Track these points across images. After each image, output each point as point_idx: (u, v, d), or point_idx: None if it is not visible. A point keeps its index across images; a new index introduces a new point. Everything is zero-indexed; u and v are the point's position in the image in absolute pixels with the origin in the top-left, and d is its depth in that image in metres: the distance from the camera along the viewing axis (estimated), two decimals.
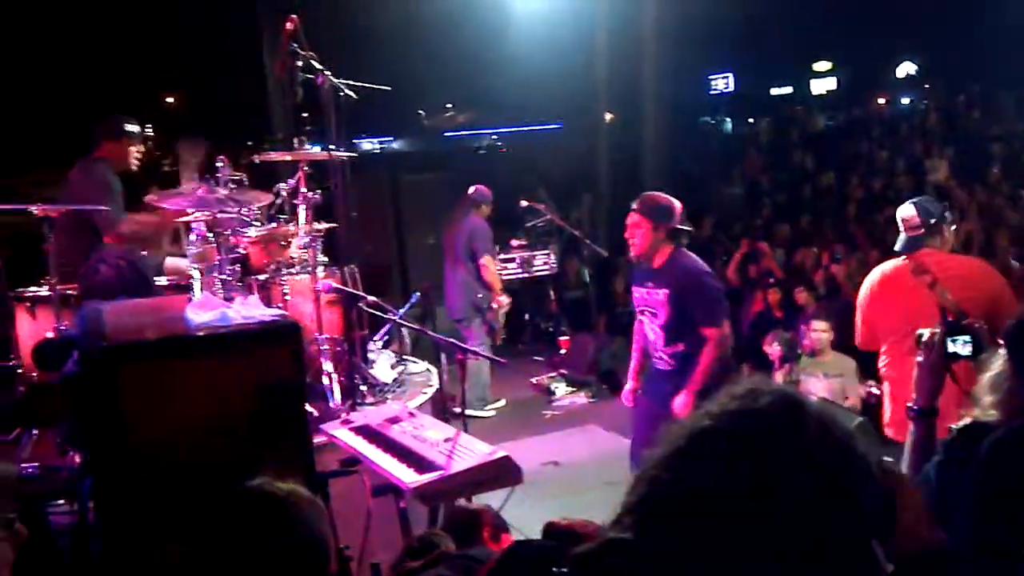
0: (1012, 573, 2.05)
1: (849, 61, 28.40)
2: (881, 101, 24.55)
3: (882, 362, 5.02)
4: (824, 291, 9.06)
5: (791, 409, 1.21)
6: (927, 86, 23.88)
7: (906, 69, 27.81)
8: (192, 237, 3.32)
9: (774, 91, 29.48)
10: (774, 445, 1.17)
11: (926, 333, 2.98)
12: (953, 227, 4.99)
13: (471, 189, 9.21)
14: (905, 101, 24.97)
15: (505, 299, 9.12)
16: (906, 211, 4.87)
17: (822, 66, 29.75)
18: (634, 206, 5.18)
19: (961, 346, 2.88)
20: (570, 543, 1.40)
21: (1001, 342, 2.67)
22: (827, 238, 11.57)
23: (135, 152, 6.24)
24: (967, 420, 2.62)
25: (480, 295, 8.94)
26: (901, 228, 4.88)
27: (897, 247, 4.90)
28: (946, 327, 2.95)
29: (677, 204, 5.19)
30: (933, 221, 4.75)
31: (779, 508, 1.14)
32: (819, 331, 7.46)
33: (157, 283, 5.26)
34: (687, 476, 1.20)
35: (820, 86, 29.48)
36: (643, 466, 1.27)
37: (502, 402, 9.19)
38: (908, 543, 1.38)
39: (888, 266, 4.96)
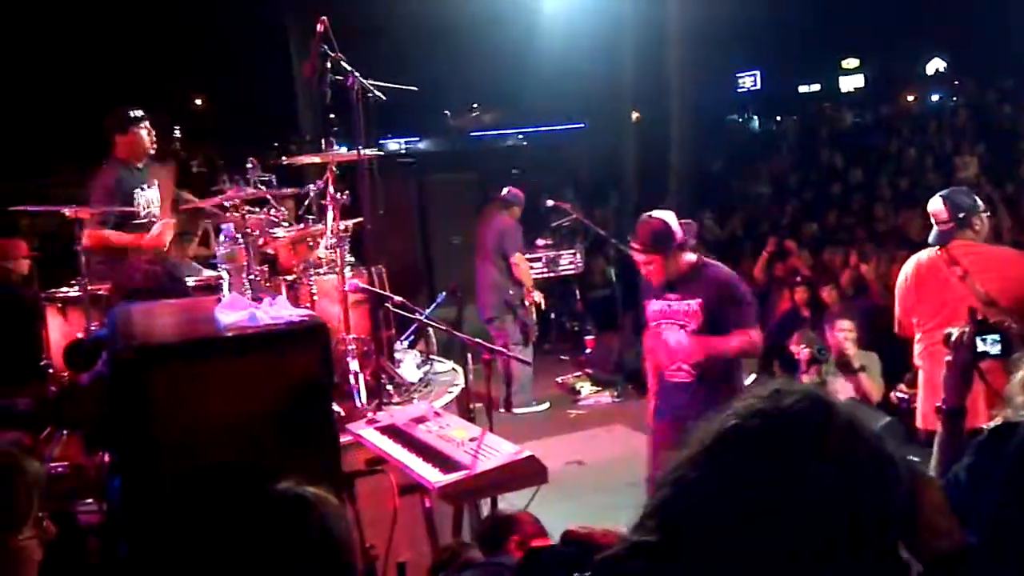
0: None
1: (877, 58, 28.22)
2: (910, 98, 24.37)
3: (917, 351, 5.03)
4: (852, 291, 8.99)
5: (818, 409, 1.21)
6: (956, 82, 23.66)
7: (935, 65, 27.58)
8: (221, 238, 3.35)
9: (801, 89, 29.34)
10: (801, 444, 1.18)
11: (955, 332, 2.96)
12: (986, 215, 4.98)
13: (504, 190, 9.25)
14: (934, 98, 24.76)
15: (538, 295, 9.15)
16: (935, 205, 4.94)
17: (850, 63, 29.57)
18: (635, 245, 5.04)
19: (990, 345, 2.86)
20: (588, 551, 1.41)
21: None
22: (855, 236, 11.49)
23: (145, 135, 6.27)
24: (999, 420, 2.60)
25: (511, 292, 8.96)
26: (933, 222, 4.94)
27: (930, 240, 4.97)
28: (975, 326, 2.93)
29: (671, 216, 5.04)
30: (962, 215, 4.79)
31: (806, 508, 1.14)
32: (844, 331, 7.42)
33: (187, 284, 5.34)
34: (713, 476, 1.20)
35: (848, 83, 29.30)
36: (667, 468, 1.28)
37: (546, 404, 9.24)
38: (934, 544, 1.38)
39: (923, 256, 5.00)
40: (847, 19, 24.16)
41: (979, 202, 4.94)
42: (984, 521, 2.30)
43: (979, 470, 2.49)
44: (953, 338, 2.95)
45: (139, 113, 6.28)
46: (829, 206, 14.23)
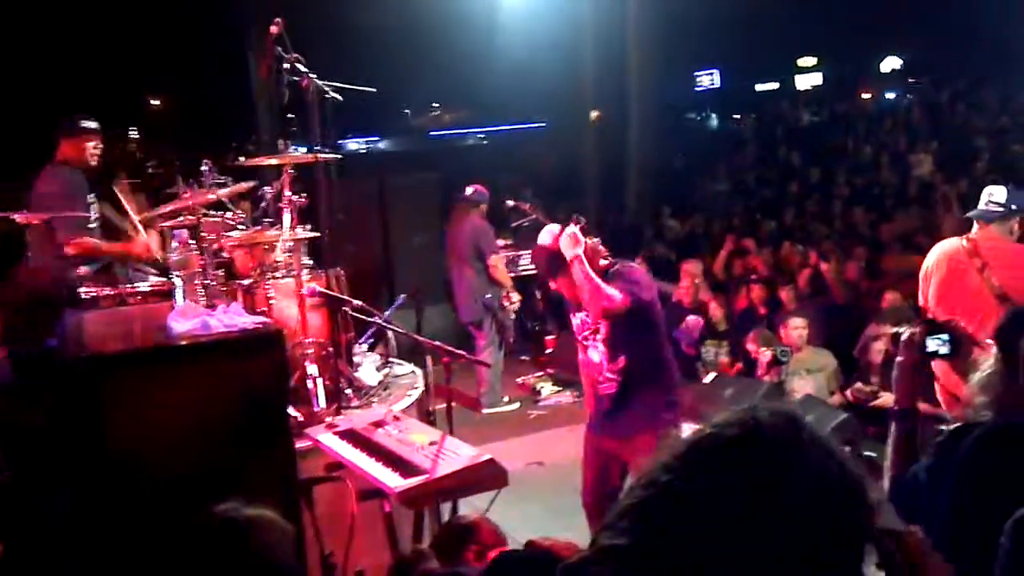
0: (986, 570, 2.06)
1: (833, 56, 28.48)
2: (866, 96, 24.63)
3: None
4: (809, 290, 9.06)
5: (793, 426, 1.23)
6: (911, 81, 23.96)
7: (890, 64, 27.89)
8: (173, 244, 3.31)
9: (759, 87, 29.56)
10: (775, 457, 1.19)
11: (905, 332, 3.00)
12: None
13: (469, 190, 9.16)
14: (889, 96, 25.06)
15: (516, 296, 9.15)
16: (997, 190, 5.00)
17: (807, 62, 29.82)
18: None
19: (940, 345, 2.89)
20: (553, 559, 1.41)
21: (991, 341, 2.68)
22: (812, 234, 11.60)
23: (92, 148, 6.17)
24: (958, 422, 2.63)
25: (489, 295, 8.94)
26: (983, 201, 5.01)
27: (972, 213, 5.07)
28: (925, 326, 2.96)
29: (554, 234, 4.86)
30: (1015, 207, 4.89)
31: (775, 515, 1.15)
32: (796, 328, 7.51)
33: (139, 288, 5.28)
34: (686, 481, 1.21)
35: (805, 82, 29.55)
36: (640, 473, 1.28)
37: (516, 403, 9.24)
38: None
39: (948, 245, 5.07)
40: (804, 17, 24.35)
41: None
42: (940, 523, 2.34)
43: (938, 472, 2.52)
44: (903, 338, 2.98)
45: (92, 125, 6.20)
46: (787, 204, 14.36)
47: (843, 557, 1.19)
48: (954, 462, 2.42)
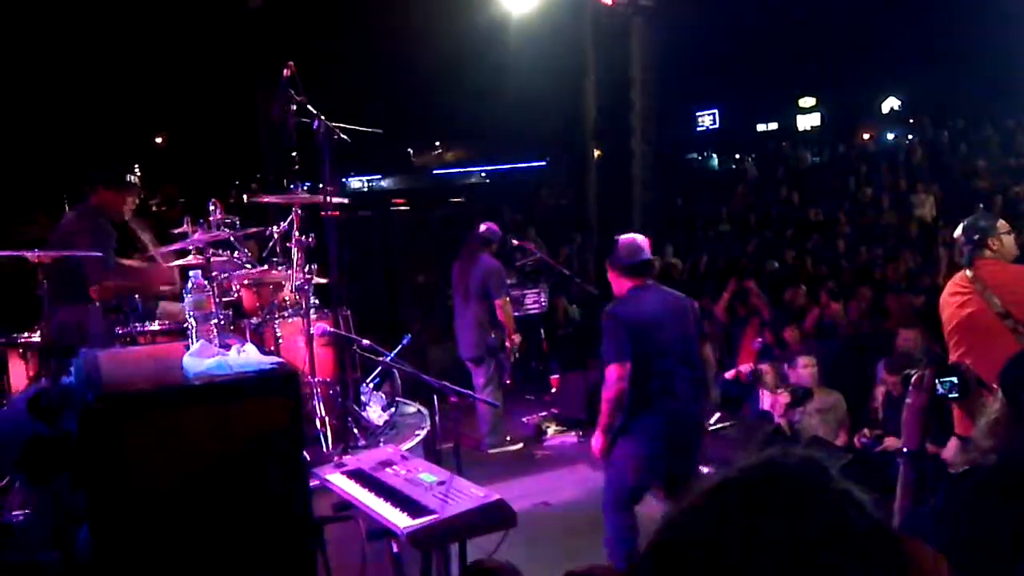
0: None
1: (833, 97, 28.69)
2: (866, 136, 24.77)
3: None
4: (815, 331, 9.09)
5: (818, 471, 1.24)
6: (911, 121, 24.11)
7: (890, 104, 28.08)
8: (190, 284, 3.35)
9: (759, 127, 29.75)
10: (798, 500, 1.20)
11: (914, 375, 3.02)
12: (1006, 235, 5.25)
13: (482, 227, 9.11)
14: (890, 136, 25.22)
15: (518, 338, 9.11)
16: (956, 232, 5.34)
17: (807, 102, 30.03)
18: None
19: (949, 388, 2.91)
20: None
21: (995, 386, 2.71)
22: (815, 275, 11.64)
23: (131, 203, 6.29)
24: (966, 466, 2.64)
25: (493, 335, 8.92)
26: (958, 245, 5.36)
27: (963, 261, 5.30)
28: (935, 368, 2.98)
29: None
30: (976, 236, 5.14)
31: (794, 564, 1.16)
32: (807, 366, 7.53)
33: (149, 328, 5.31)
34: (706, 521, 1.22)
35: (805, 122, 29.74)
36: (666, 515, 1.30)
37: (519, 444, 9.23)
38: None
39: (955, 277, 5.31)
40: (804, 59, 24.57)
41: (999, 223, 5.27)
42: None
43: (945, 515, 2.53)
44: (912, 380, 3.00)
45: (136, 180, 6.32)
46: (788, 244, 14.41)
47: None
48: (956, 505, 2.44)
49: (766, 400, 8.23)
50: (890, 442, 6.48)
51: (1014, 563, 2.10)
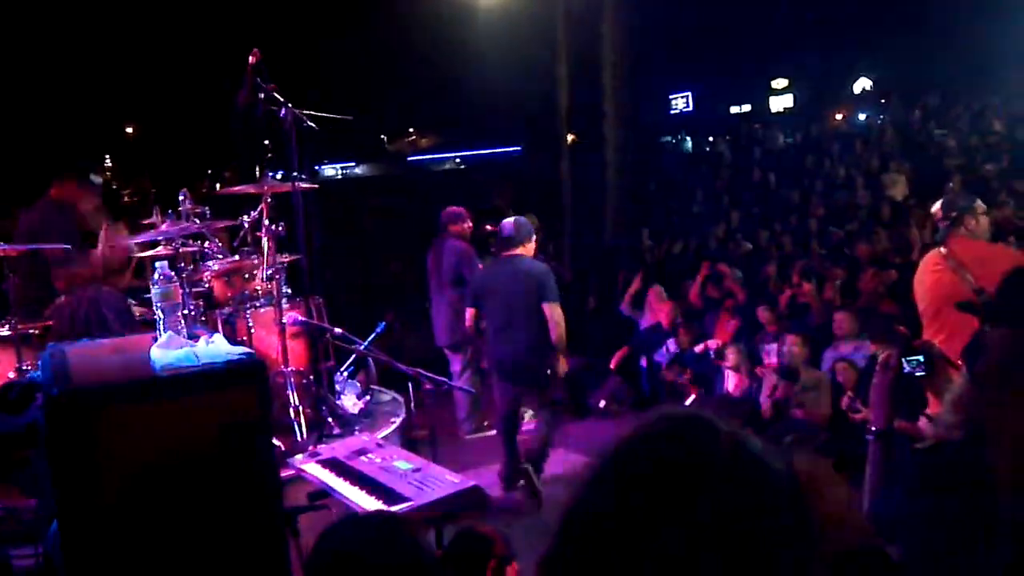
0: None
1: (806, 78, 28.79)
2: (838, 117, 24.87)
3: None
4: (788, 310, 9.14)
5: (704, 429, 1.24)
6: (883, 101, 24.22)
7: (862, 84, 28.20)
8: (156, 275, 3.32)
9: (733, 109, 29.83)
10: (689, 464, 1.20)
11: (881, 354, 3.04)
12: (983, 215, 5.37)
13: (451, 213, 9.03)
14: (862, 117, 25.34)
15: None
16: (934, 207, 5.50)
17: (779, 83, 30.11)
18: None
19: (915, 367, 2.93)
20: None
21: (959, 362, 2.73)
22: (789, 256, 11.68)
23: (91, 202, 6.23)
24: (931, 442, 2.66)
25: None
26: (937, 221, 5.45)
27: (937, 237, 5.45)
28: (901, 348, 3.00)
29: None
30: (955, 214, 5.24)
31: (695, 526, 1.15)
32: (793, 344, 7.58)
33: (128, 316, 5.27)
34: (598, 500, 1.23)
35: (778, 103, 29.83)
36: (570, 490, 1.30)
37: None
38: (836, 540, 1.40)
39: (929, 255, 5.43)
40: (776, 40, 24.64)
41: (976, 203, 5.38)
42: (908, 536, 2.37)
43: (913, 489, 2.56)
44: (879, 359, 3.02)
45: (100, 180, 6.28)
46: (762, 226, 14.45)
47: (771, 555, 1.20)
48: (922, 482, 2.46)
49: (730, 380, 8.29)
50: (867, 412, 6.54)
51: (978, 539, 2.12)
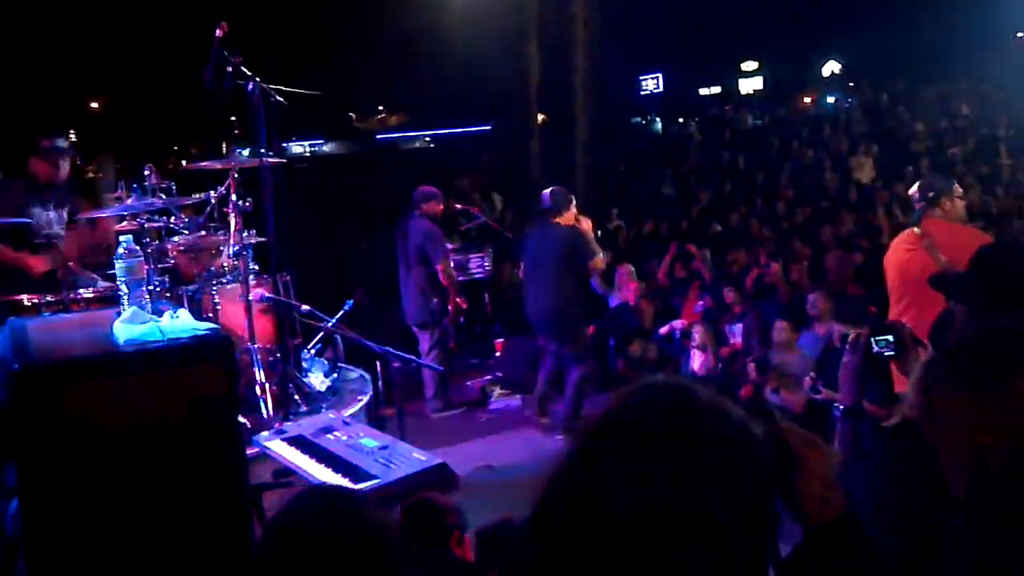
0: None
1: (775, 60, 28.86)
2: (807, 100, 24.98)
3: None
4: (754, 291, 9.18)
5: (686, 398, 1.24)
6: (851, 84, 24.34)
7: (830, 67, 28.32)
8: (121, 250, 3.26)
9: (702, 91, 29.87)
10: (670, 431, 1.20)
11: (851, 334, 3.06)
12: (960, 199, 5.43)
13: (418, 192, 8.97)
14: (830, 100, 25.46)
15: (461, 302, 9.01)
16: (913, 188, 5.54)
17: (749, 66, 30.18)
18: None
19: (884, 347, 2.95)
20: None
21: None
22: (757, 237, 11.73)
23: (61, 165, 6.13)
24: (896, 419, 2.68)
25: (436, 300, 8.83)
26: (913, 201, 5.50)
27: (912, 218, 5.49)
28: (871, 328, 3.02)
29: None
30: (932, 195, 5.29)
31: (678, 492, 1.15)
32: (781, 330, 7.58)
33: (83, 294, 5.22)
34: (580, 473, 1.22)
35: (747, 86, 29.90)
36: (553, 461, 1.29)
37: (462, 408, 9.19)
38: (813, 510, 1.40)
39: (902, 234, 5.47)
40: (745, 22, 24.66)
41: (953, 186, 5.44)
42: (870, 509, 2.39)
43: (878, 467, 2.58)
44: (849, 340, 3.04)
45: (64, 144, 6.16)
46: (732, 207, 14.51)
47: (751, 522, 1.20)
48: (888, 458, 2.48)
49: (696, 359, 8.32)
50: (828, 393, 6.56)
51: (939, 511, 2.13)
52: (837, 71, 27.98)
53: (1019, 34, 21.40)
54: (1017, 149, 14.47)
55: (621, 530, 1.15)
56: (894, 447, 2.48)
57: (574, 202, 8.20)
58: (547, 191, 8.28)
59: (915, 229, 5.27)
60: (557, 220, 8.02)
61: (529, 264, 8.33)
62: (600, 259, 8.17)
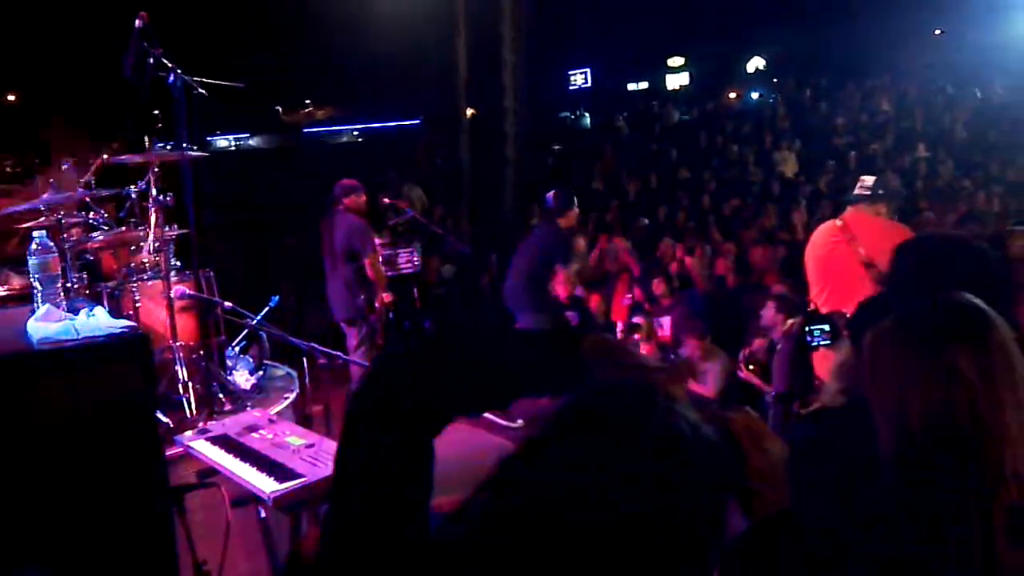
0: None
1: (701, 56, 29.15)
2: (732, 95, 25.28)
3: None
4: (678, 283, 9.28)
5: (641, 395, 1.23)
6: (775, 80, 24.69)
7: (755, 64, 28.69)
8: (34, 245, 3.14)
9: (630, 86, 30.07)
10: (624, 427, 1.18)
11: (787, 323, 3.09)
12: (894, 205, 5.50)
13: (343, 186, 8.83)
14: (755, 95, 25.79)
15: (388, 297, 8.90)
16: (868, 177, 5.51)
17: (676, 61, 30.43)
18: None
19: (820, 336, 2.98)
20: None
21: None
22: (683, 230, 11.84)
23: None
24: (816, 406, 2.70)
25: (363, 296, 8.72)
26: (856, 187, 5.49)
27: (846, 198, 5.61)
28: (805, 317, 3.05)
29: None
30: (880, 191, 5.34)
31: (623, 490, 1.14)
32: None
33: None
34: (531, 470, 1.20)
35: (674, 81, 30.15)
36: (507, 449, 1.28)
37: None
38: (759, 505, 1.40)
39: (824, 226, 5.48)
40: (673, 18, 24.85)
41: (901, 193, 5.63)
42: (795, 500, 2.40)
43: (792, 454, 2.60)
44: (783, 328, 3.07)
45: None
46: (659, 200, 14.62)
47: (695, 515, 1.19)
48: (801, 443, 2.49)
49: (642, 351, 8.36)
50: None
51: (853, 495, 2.16)
52: (762, 67, 28.34)
53: (938, 32, 21.92)
54: (934, 143, 14.83)
55: (561, 521, 1.13)
56: (814, 432, 2.50)
57: (576, 204, 8.07)
58: (550, 192, 8.14)
59: (836, 222, 5.33)
60: (559, 221, 7.92)
61: (514, 256, 8.29)
62: (567, 273, 7.85)
